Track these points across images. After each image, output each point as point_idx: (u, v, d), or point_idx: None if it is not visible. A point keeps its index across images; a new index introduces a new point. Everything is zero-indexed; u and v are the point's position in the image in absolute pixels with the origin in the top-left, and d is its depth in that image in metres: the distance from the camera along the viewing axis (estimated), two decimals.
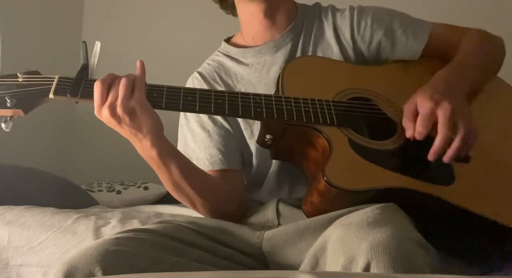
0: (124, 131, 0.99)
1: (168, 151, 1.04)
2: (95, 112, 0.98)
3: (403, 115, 1.04)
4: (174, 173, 1.05)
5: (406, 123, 1.03)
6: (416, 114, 1.02)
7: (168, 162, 1.04)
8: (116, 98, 0.96)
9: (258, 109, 1.03)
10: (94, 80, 0.99)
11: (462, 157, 1.02)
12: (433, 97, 1.01)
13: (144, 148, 1.01)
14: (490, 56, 1.20)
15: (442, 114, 0.99)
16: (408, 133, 1.02)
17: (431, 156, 1.00)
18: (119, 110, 0.96)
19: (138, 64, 1.02)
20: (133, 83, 0.98)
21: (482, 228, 1.02)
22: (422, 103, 1.01)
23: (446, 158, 0.99)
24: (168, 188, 1.11)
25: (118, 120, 0.96)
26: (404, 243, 0.80)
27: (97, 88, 0.97)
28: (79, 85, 0.99)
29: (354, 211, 0.92)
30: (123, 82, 0.97)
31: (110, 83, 0.98)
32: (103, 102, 0.96)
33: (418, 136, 1.01)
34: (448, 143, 0.98)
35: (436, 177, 1.02)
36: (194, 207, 1.14)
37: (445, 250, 1.02)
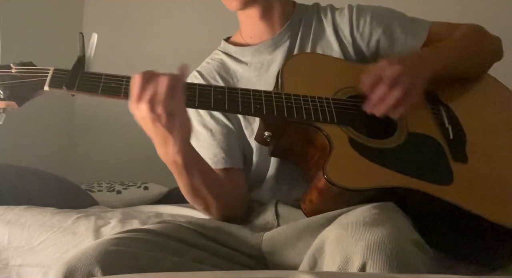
0: (156, 131, 0.95)
1: (193, 158, 1.03)
2: (130, 105, 0.94)
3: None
4: (194, 179, 1.04)
5: (363, 78, 1.05)
6: (374, 74, 1.04)
7: (191, 169, 1.02)
8: (156, 94, 0.92)
9: (258, 106, 1.02)
10: (91, 73, 0.97)
11: (391, 113, 1.03)
12: (391, 60, 1.04)
13: (169, 152, 0.98)
14: (477, 49, 1.20)
15: (387, 72, 1.02)
16: (361, 85, 1.05)
17: (364, 106, 1.04)
18: (159, 108, 0.92)
19: (180, 66, 0.98)
20: (177, 84, 0.94)
21: (480, 228, 1.01)
22: (380, 63, 1.05)
23: (376, 111, 1.03)
24: (185, 192, 1.09)
25: (155, 118, 0.92)
26: (401, 243, 0.80)
27: (136, 81, 0.92)
28: (75, 77, 0.97)
29: (353, 210, 0.92)
30: (167, 80, 0.92)
31: (148, 78, 0.93)
32: (141, 96, 0.92)
33: (363, 88, 1.04)
34: (381, 96, 1.02)
35: (435, 177, 1.02)
36: (207, 210, 1.13)
37: (443, 250, 1.02)
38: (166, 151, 0.98)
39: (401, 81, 1.01)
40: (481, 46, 1.21)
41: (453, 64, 1.15)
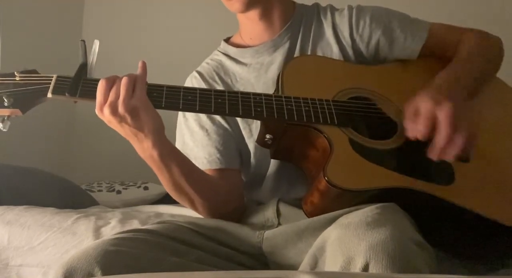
0: (125, 131, 0.98)
1: (169, 151, 1.03)
2: (96, 111, 0.97)
3: (404, 116, 1.04)
4: (174, 173, 1.05)
5: (407, 124, 1.03)
6: (417, 114, 1.02)
7: (168, 163, 1.03)
8: (117, 97, 0.95)
9: (259, 109, 1.02)
10: (93, 80, 0.98)
11: (462, 156, 1.01)
12: (434, 98, 1.01)
13: (145, 148, 1.00)
14: (489, 57, 1.20)
15: (442, 113, 0.99)
16: (409, 134, 1.02)
17: (431, 154, 1.00)
18: (120, 109, 0.95)
19: (140, 64, 1.02)
20: (135, 82, 0.97)
21: (482, 227, 1.01)
22: (422, 103, 1.01)
23: (447, 156, 0.99)
24: (168, 188, 1.10)
25: (119, 119, 0.96)
26: (403, 243, 0.80)
27: (100, 86, 0.96)
28: (77, 84, 0.98)
29: (354, 210, 0.92)
30: (124, 81, 0.96)
31: (112, 82, 0.97)
32: (104, 101, 0.95)
33: (419, 136, 1.01)
34: (448, 141, 0.98)
35: (436, 177, 1.02)
36: (193, 207, 1.14)
37: (445, 250, 1.02)
38: (142, 148, 1.01)
39: (460, 120, 0.99)
40: (491, 56, 1.21)
41: (475, 81, 1.13)
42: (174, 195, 1.12)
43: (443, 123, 0.98)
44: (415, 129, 1.01)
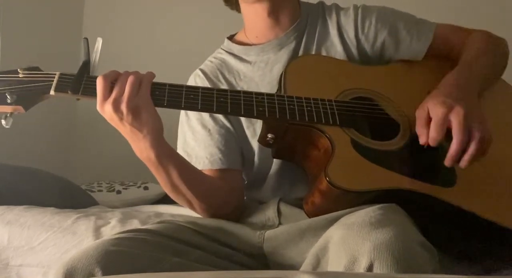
0: (125, 129, 0.98)
1: (167, 152, 1.03)
2: (97, 107, 0.96)
3: (416, 122, 1.03)
4: (172, 175, 1.04)
5: (420, 130, 1.01)
6: (428, 120, 1.00)
7: (166, 164, 1.03)
8: (121, 94, 0.95)
9: (261, 108, 1.02)
10: (96, 77, 0.98)
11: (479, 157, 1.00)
12: (445, 102, 0.99)
13: (143, 148, 1.00)
14: (496, 58, 1.19)
15: (455, 119, 0.97)
16: (422, 140, 1.01)
17: (448, 162, 0.98)
18: (123, 106, 0.95)
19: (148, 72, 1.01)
20: (141, 81, 0.97)
21: (483, 230, 1.01)
22: (434, 108, 1.00)
23: (462, 164, 0.98)
24: (166, 189, 1.10)
25: (121, 117, 0.95)
26: (407, 243, 0.80)
27: (99, 83, 0.95)
28: (80, 82, 0.98)
29: (356, 211, 0.92)
30: (131, 79, 0.96)
31: (113, 79, 0.97)
32: (106, 97, 0.95)
33: (432, 143, 0.99)
34: (463, 147, 0.97)
35: (438, 179, 1.02)
36: (192, 207, 1.13)
37: (446, 251, 1.01)
38: (139, 148, 1.00)
39: (472, 123, 0.98)
40: (498, 57, 1.20)
41: (484, 83, 1.13)
42: (172, 196, 1.12)
43: (456, 130, 0.97)
44: (427, 136, 0.99)
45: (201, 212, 1.14)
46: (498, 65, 1.20)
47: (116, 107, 0.95)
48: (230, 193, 1.16)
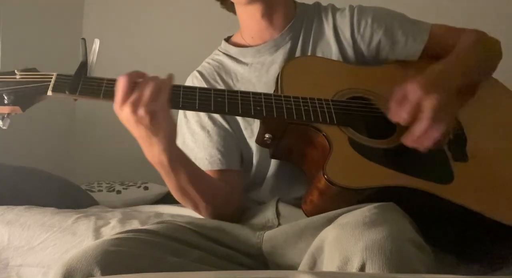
0: (139, 132, 0.96)
1: (179, 158, 1.03)
2: (115, 107, 0.95)
3: (391, 97, 1.04)
4: (182, 179, 1.04)
5: (393, 107, 1.03)
6: (404, 99, 1.02)
7: (177, 169, 1.02)
8: (141, 97, 0.93)
9: (258, 108, 1.02)
10: (93, 78, 0.98)
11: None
12: (424, 86, 1.01)
13: (156, 152, 0.98)
14: (486, 55, 1.20)
15: (427, 104, 0.99)
16: (392, 117, 1.03)
17: (404, 139, 1.00)
18: (141, 109, 0.93)
19: (168, 75, 0.99)
20: (161, 86, 0.95)
21: (481, 227, 1.02)
22: (412, 90, 1.01)
23: (419, 146, 1.00)
24: (174, 192, 1.09)
25: (138, 119, 0.93)
26: (400, 243, 0.80)
27: (122, 82, 0.94)
28: (78, 82, 0.98)
29: (353, 210, 0.92)
30: (152, 83, 0.94)
31: (135, 80, 0.95)
32: (126, 98, 0.93)
33: (400, 121, 1.01)
34: (425, 132, 0.99)
35: (436, 176, 1.02)
36: (197, 210, 1.14)
37: (444, 249, 1.02)
38: (152, 152, 0.99)
39: (443, 114, 0.99)
40: (488, 55, 1.21)
41: (468, 78, 1.14)
42: (179, 198, 1.12)
43: (425, 114, 0.99)
44: (398, 114, 1.01)
45: (206, 213, 1.14)
46: (488, 63, 1.21)
47: (135, 109, 0.93)
48: (230, 193, 1.16)
